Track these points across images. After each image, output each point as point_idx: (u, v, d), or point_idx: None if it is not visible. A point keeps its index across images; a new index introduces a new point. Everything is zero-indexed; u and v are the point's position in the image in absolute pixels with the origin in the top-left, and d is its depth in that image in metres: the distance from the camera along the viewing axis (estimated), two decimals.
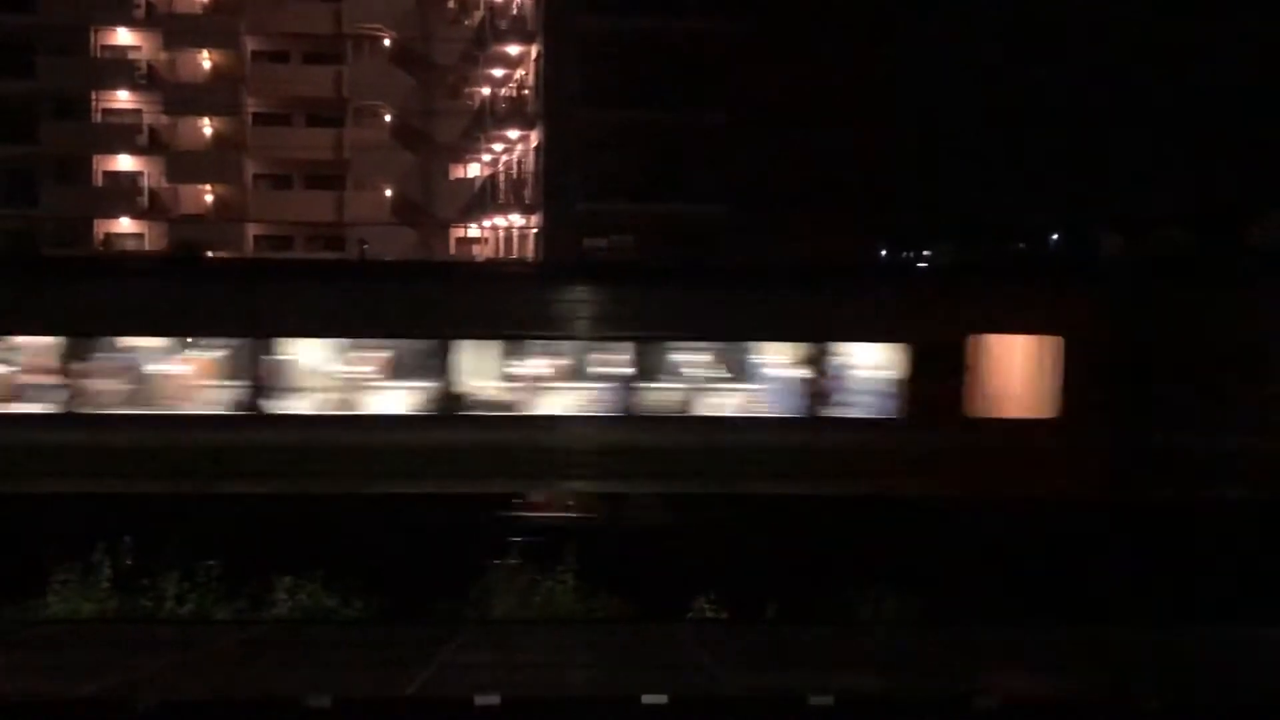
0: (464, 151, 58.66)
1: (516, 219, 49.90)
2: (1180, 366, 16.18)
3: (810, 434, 16.11)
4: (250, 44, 60.13)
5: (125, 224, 60.18)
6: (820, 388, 16.33)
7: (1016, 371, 16.41)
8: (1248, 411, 16.12)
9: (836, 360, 16.48)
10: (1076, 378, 16.03)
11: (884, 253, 42.68)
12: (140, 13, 59.58)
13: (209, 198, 60.32)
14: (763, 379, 16.75)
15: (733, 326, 16.50)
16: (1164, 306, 16.54)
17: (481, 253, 57.83)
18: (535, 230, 46.07)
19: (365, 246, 56.29)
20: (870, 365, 16.54)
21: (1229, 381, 16.08)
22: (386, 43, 59.89)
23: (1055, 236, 46.79)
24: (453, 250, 59.76)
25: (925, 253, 43.33)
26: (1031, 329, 16.36)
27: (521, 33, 47.62)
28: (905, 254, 44.16)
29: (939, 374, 15.87)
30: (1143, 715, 10.60)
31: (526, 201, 47.60)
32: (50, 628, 13.78)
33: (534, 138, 46.54)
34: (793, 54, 40.68)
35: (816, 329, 16.25)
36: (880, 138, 42.00)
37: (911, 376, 16.02)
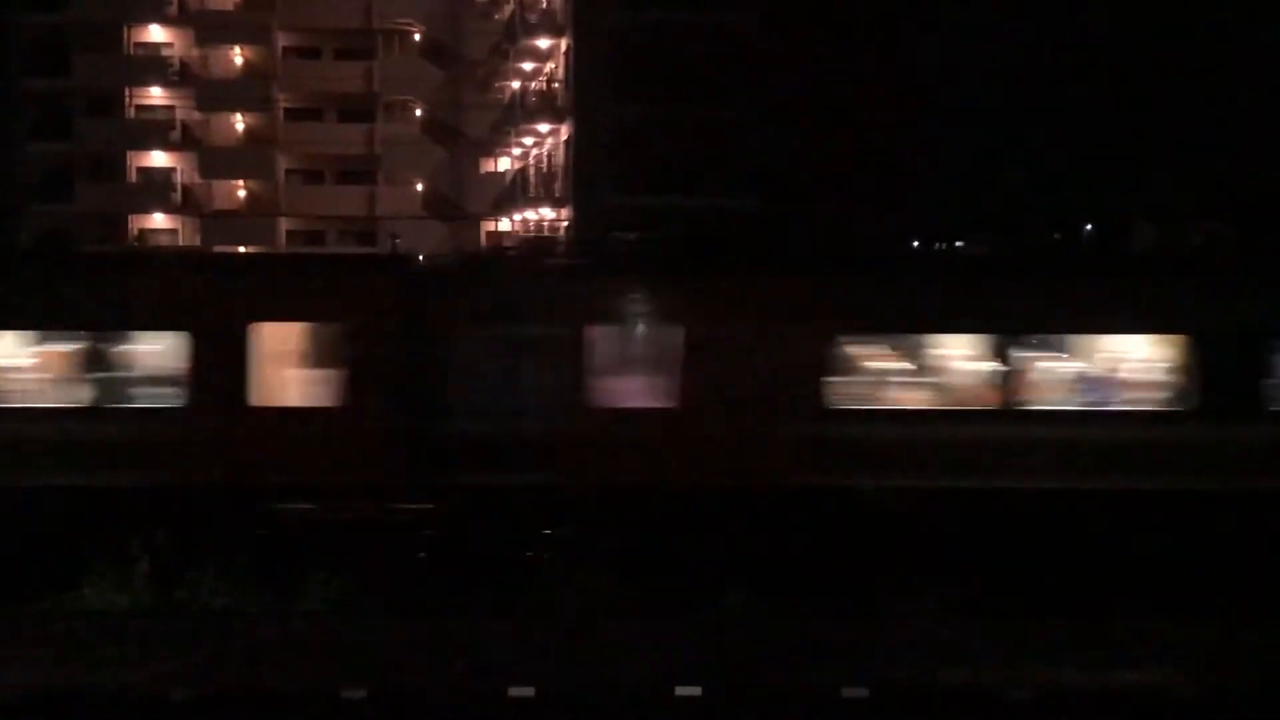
0: (494, 145, 58.75)
1: (547, 212, 49.93)
2: (472, 354, 15.98)
3: (95, 424, 15.82)
4: (282, 40, 60.39)
5: (159, 219, 60.63)
6: (127, 378, 16.16)
7: (299, 360, 16.26)
8: (538, 398, 15.90)
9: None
10: (359, 365, 15.84)
11: (915, 244, 42.38)
12: (173, 9, 59.93)
13: (242, 193, 60.67)
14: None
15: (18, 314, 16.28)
16: (461, 295, 16.32)
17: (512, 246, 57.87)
18: (566, 223, 46.12)
19: (397, 241, 56.45)
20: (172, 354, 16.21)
21: (527, 369, 15.92)
22: (417, 37, 60.05)
23: (1089, 227, 46.44)
24: (484, 244, 59.89)
25: (958, 244, 42.98)
26: (311, 317, 16.19)
27: (551, 26, 47.63)
28: (936, 245, 43.82)
29: (221, 362, 15.73)
30: None
31: (557, 195, 47.63)
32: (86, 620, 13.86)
33: (564, 131, 46.56)
34: (819, 45, 40.55)
35: (94, 318, 15.99)
36: (907, 128, 41.81)
37: (195, 365, 15.83)
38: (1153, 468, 15.56)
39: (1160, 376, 15.97)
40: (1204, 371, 15.55)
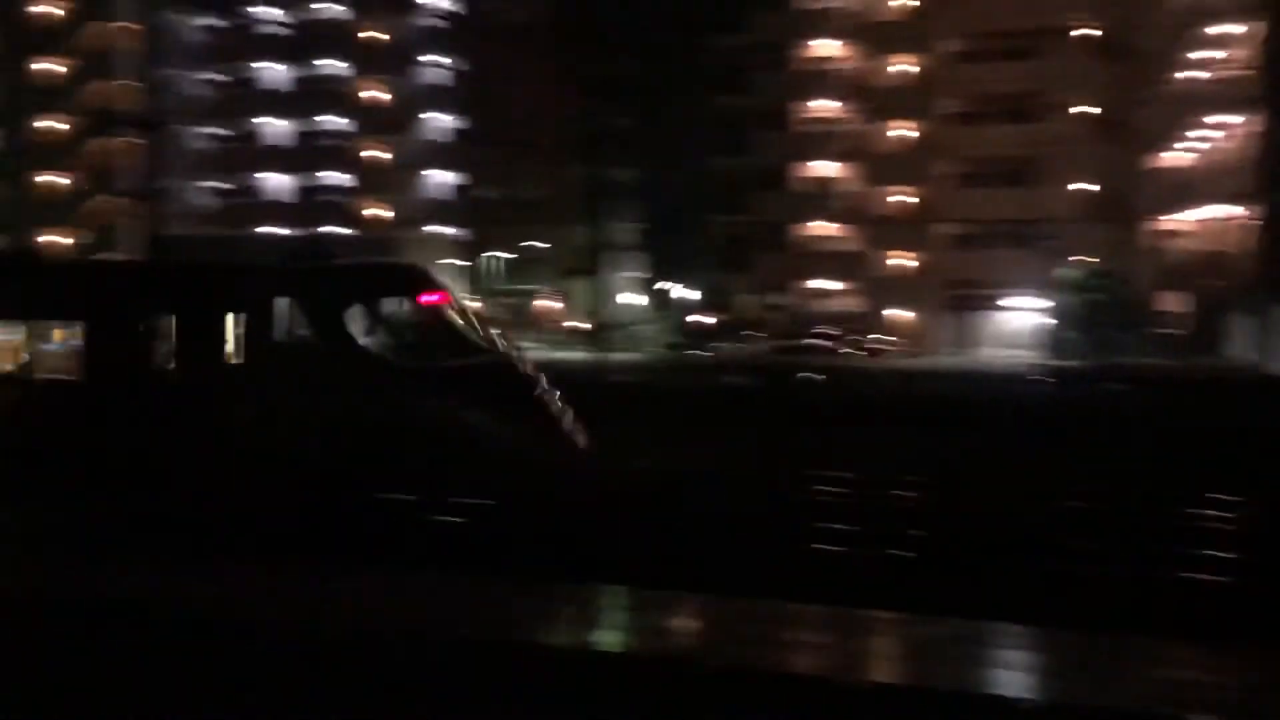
0: (1164, 141, 55.43)
1: (1230, 210, 46.36)
2: None
3: None
4: (945, 46, 60.75)
5: (820, 227, 63.40)
6: None
7: None
8: None
9: None
10: None
11: None
12: (843, 23, 62.43)
13: (901, 199, 61.85)
14: None
15: None
16: None
17: (1185, 247, 54.31)
18: (1254, 221, 42.57)
19: (1054, 244, 55.07)
20: None
21: None
22: (1084, 33, 57.99)
23: None
24: (1151, 245, 56.69)
25: None
26: None
27: (1239, 9, 44.16)
28: None
29: None
30: None
31: (1242, 191, 44.06)
32: None
33: (1253, 122, 42.97)
34: None
35: None
36: None
37: None
38: None
39: None
40: None
